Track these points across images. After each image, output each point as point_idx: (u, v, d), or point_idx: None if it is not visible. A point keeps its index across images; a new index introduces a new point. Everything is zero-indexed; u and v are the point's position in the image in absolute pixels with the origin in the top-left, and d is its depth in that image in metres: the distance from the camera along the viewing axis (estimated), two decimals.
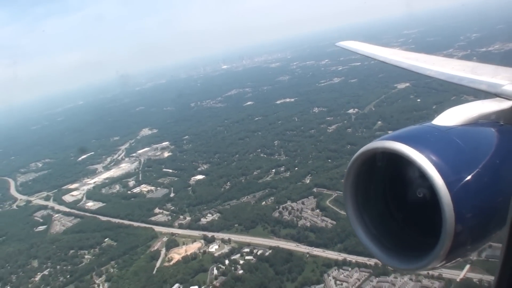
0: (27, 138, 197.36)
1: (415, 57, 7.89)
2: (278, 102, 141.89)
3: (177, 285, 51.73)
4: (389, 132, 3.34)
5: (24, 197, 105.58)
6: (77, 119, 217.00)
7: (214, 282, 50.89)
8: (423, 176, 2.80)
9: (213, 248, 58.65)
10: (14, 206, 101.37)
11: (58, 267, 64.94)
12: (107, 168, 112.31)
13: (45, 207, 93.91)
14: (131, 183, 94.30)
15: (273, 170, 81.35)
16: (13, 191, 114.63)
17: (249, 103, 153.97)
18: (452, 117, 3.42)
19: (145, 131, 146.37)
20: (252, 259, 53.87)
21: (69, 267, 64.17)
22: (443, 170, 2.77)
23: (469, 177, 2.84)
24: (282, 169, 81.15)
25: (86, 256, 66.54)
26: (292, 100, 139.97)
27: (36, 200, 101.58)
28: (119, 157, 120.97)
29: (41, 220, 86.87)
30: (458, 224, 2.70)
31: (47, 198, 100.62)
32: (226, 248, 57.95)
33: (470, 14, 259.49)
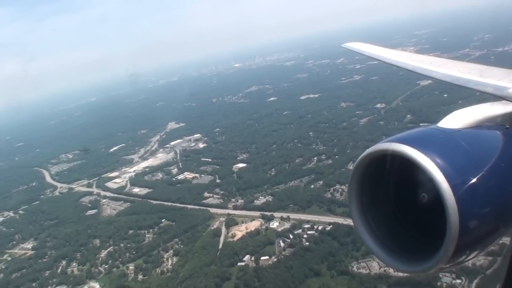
0: (47, 132, 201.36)
1: (421, 59, 7.96)
2: (303, 97, 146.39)
3: (248, 256, 56.00)
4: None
5: (64, 185, 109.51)
6: (96, 114, 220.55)
7: (284, 253, 55.22)
8: (428, 179, 2.84)
9: (274, 225, 62.97)
10: (57, 193, 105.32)
11: (121, 245, 68.74)
12: (143, 158, 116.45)
13: (90, 193, 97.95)
14: (174, 170, 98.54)
15: (315, 158, 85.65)
16: (49, 180, 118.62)
17: (272, 99, 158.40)
18: (458, 119, 3.47)
19: (172, 125, 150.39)
20: (315, 233, 58.20)
21: (133, 244, 68.03)
22: (448, 172, 2.80)
23: (474, 180, 2.86)
24: (323, 157, 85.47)
25: (147, 235, 70.40)
26: (316, 96, 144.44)
27: (78, 187, 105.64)
28: (153, 148, 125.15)
29: (90, 205, 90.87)
30: (462, 227, 2.71)
31: (88, 186, 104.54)
32: (286, 225, 62.26)
33: (477, 16, 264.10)
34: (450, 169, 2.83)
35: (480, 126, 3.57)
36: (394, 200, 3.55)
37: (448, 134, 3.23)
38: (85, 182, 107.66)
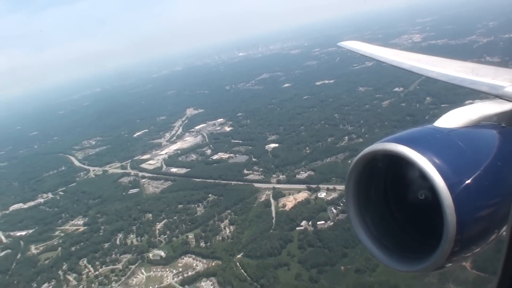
0: (60, 121, 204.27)
1: (417, 58, 8.02)
2: (318, 83, 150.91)
3: (304, 221, 61.37)
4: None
5: (97, 168, 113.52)
6: (105, 103, 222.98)
7: (338, 218, 60.67)
8: (425, 178, 2.89)
9: (322, 195, 68.26)
10: (92, 175, 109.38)
11: (175, 217, 73.26)
12: (171, 142, 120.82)
13: (127, 174, 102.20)
14: (208, 151, 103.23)
15: (346, 137, 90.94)
16: (78, 164, 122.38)
17: (286, 85, 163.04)
18: (454, 119, 3.54)
19: (191, 111, 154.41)
20: None
21: (186, 217, 72.63)
22: (445, 172, 2.85)
23: (470, 179, 2.91)
24: (353, 136, 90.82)
25: (198, 209, 75.10)
26: (332, 81, 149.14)
27: (112, 170, 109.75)
28: (178, 133, 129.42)
29: (130, 185, 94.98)
30: (459, 226, 2.76)
31: (122, 168, 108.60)
32: (334, 195, 67.55)
33: (476, 4, 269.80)
34: (447, 168, 2.89)
35: (476, 125, 3.61)
36: (391, 200, 3.61)
37: (445, 133, 3.28)
38: (118, 164, 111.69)
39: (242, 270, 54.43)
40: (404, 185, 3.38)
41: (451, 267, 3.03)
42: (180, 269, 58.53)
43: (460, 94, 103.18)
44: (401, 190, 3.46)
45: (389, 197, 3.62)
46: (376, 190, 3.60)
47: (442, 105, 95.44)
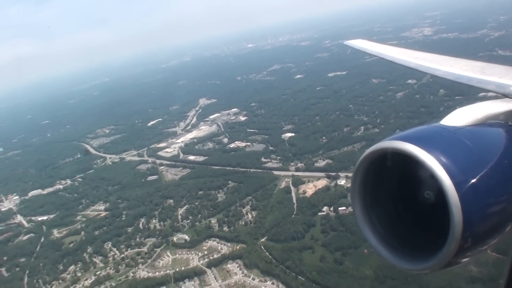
0: (71, 110, 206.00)
1: (423, 57, 8.00)
2: (330, 75, 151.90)
3: (326, 207, 62.93)
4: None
5: (113, 156, 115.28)
6: (116, 93, 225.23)
7: None
8: (432, 177, 2.87)
9: (342, 182, 69.69)
10: (109, 162, 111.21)
11: (196, 203, 74.87)
12: (187, 131, 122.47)
13: (145, 162, 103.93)
14: (224, 140, 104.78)
15: (362, 127, 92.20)
16: (94, 152, 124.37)
17: (298, 76, 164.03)
18: (461, 117, 3.51)
19: (204, 101, 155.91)
20: None
21: (208, 202, 74.23)
22: (452, 170, 2.84)
23: (477, 178, 2.89)
24: (369, 126, 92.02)
25: (218, 195, 76.73)
26: (344, 73, 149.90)
27: (129, 157, 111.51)
28: (192, 122, 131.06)
29: (148, 172, 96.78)
30: (466, 225, 2.75)
31: (139, 156, 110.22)
32: None
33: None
34: (453, 167, 2.87)
35: (483, 123, 3.61)
36: (397, 199, 3.59)
37: (451, 132, 3.27)
38: (134, 152, 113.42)
39: (267, 253, 56.07)
40: (411, 184, 3.38)
41: (460, 265, 3.04)
42: (205, 252, 60.18)
43: (473, 87, 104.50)
44: (407, 188, 3.46)
45: (395, 196, 3.59)
46: (383, 188, 3.56)
47: (456, 97, 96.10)
